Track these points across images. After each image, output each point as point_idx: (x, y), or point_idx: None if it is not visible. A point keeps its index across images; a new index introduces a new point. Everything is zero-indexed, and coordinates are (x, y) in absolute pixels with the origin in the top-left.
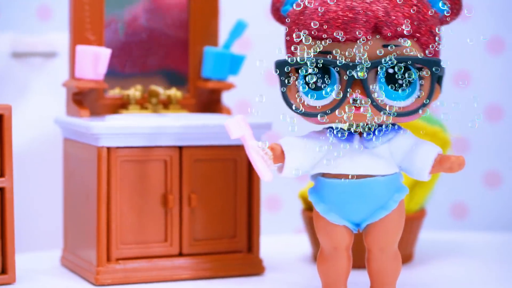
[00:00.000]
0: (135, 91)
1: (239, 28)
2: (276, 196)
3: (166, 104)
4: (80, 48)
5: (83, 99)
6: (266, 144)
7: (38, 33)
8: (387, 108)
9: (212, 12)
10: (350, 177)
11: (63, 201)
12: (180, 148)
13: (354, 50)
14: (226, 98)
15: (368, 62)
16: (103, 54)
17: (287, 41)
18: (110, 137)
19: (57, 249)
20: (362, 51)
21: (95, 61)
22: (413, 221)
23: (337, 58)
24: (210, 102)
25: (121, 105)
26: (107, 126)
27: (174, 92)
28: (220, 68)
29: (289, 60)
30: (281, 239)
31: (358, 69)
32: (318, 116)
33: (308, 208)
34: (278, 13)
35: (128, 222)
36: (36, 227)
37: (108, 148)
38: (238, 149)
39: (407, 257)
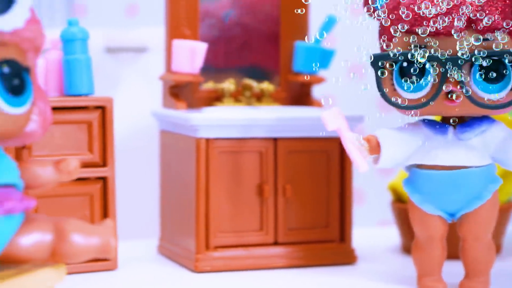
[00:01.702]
0: (229, 85)
1: (329, 23)
2: (359, 189)
3: (259, 97)
4: (177, 43)
5: (179, 92)
6: (361, 136)
7: (128, 29)
8: (486, 100)
9: (303, 7)
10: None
11: (160, 191)
12: (275, 139)
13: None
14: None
15: (468, 54)
16: (200, 48)
17: (381, 34)
18: (208, 128)
19: (153, 238)
20: (459, 44)
21: (191, 55)
22: (502, 213)
23: (434, 51)
24: (300, 95)
25: (215, 98)
26: (205, 117)
27: (266, 86)
28: (311, 63)
29: (391, 54)
30: (368, 230)
31: (458, 63)
32: (413, 109)
33: (398, 200)
34: (370, 7)
35: (225, 212)
36: (132, 217)
37: (206, 140)
38: (331, 141)
39: (495, 248)
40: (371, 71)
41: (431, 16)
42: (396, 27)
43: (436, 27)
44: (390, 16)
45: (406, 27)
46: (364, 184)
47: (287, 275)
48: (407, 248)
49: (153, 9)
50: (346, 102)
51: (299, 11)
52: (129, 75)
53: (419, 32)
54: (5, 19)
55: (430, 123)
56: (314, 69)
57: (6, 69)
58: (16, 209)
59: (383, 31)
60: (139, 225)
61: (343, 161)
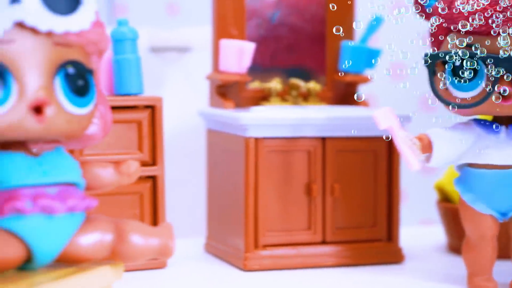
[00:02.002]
0: (276, 84)
1: (375, 23)
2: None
3: (305, 96)
4: (224, 42)
5: (226, 91)
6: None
7: (171, 28)
8: None
9: (348, 7)
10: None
11: (207, 190)
12: (324, 139)
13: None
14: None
15: None
16: (248, 48)
17: (431, 34)
18: (258, 127)
19: (200, 236)
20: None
21: (239, 55)
22: None
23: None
24: (346, 95)
25: (261, 98)
26: (255, 117)
27: (313, 85)
28: (357, 62)
29: (445, 56)
30: (413, 229)
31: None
32: (466, 108)
33: (444, 199)
34: (422, 7)
35: (274, 210)
36: (178, 215)
37: (256, 139)
38: (379, 140)
39: None
40: (412, 70)
41: (484, 17)
42: (457, 24)
43: (490, 26)
44: (443, 16)
45: (460, 28)
46: (406, 182)
47: (335, 274)
48: (453, 247)
49: (194, 8)
50: (389, 102)
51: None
52: (173, 75)
53: (470, 32)
54: (72, 20)
55: (481, 123)
56: (360, 68)
57: (71, 70)
58: (78, 207)
59: (435, 30)
60: (185, 224)
61: (390, 160)
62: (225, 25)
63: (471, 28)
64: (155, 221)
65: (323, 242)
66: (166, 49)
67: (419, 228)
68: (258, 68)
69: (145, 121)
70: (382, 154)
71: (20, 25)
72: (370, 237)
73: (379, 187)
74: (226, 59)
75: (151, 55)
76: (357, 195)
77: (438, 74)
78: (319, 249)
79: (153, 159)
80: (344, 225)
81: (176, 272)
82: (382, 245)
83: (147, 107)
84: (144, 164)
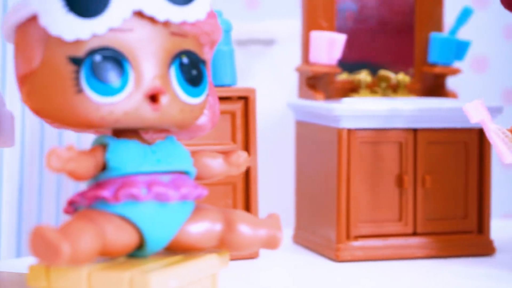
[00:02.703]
0: (365, 76)
1: (465, 15)
2: None
3: (394, 88)
4: (315, 34)
5: (316, 83)
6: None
7: (255, 22)
8: None
9: (437, 1)
10: None
11: (296, 181)
12: (415, 130)
13: None
14: None
15: None
16: (338, 40)
17: None
18: (350, 119)
19: (287, 227)
20: None
21: (330, 46)
22: None
23: None
24: (435, 86)
25: (350, 89)
26: (348, 108)
27: (402, 77)
28: (446, 54)
29: None
30: (502, 222)
31: None
32: None
33: None
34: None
35: (365, 202)
36: (267, 205)
37: (348, 130)
38: (470, 132)
39: None
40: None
41: None
42: None
43: None
44: None
45: None
46: (494, 174)
47: (426, 265)
48: None
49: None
50: (474, 94)
51: None
52: (258, 67)
53: None
54: (189, 10)
55: None
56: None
57: (185, 60)
58: (191, 196)
59: None
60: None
61: (481, 152)
62: (315, 17)
63: None
64: (247, 211)
65: (414, 234)
66: (251, 42)
67: (509, 220)
68: (345, 60)
69: (238, 112)
70: (474, 145)
71: (139, 14)
72: (460, 229)
73: (470, 179)
74: (316, 51)
75: (237, 48)
76: (448, 186)
77: None
78: (410, 241)
79: (246, 149)
80: (435, 216)
81: (269, 262)
82: (473, 237)
83: (240, 98)
84: None
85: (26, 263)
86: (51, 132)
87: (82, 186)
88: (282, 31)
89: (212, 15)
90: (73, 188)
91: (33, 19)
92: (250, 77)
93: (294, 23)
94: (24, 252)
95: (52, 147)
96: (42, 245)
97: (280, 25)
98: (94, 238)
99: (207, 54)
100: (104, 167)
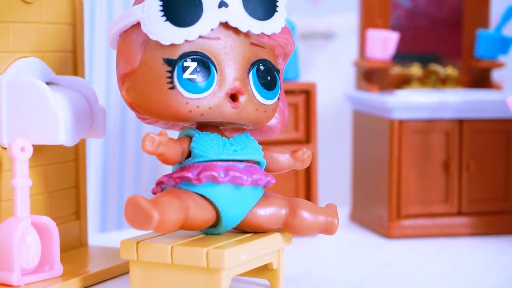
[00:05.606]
0: (417, 69)
1: (510, 13)
2: None
3: (443, 81)
4: (371, 33)
5: (371, 76)
6: None
7: (317, 16)
8: None
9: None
10: None
11: (352, 165)
12: (461, 120)
13: None
14: None
15: None
16: (392, 38)
17: None
18: (402, 110)
19: (344, 207)
20: None
21: (384, 44)
22: None
23: None
24: (480, 79)
25: (402, 82)
26: (399, 100)
27: (451, 71)
28: (492, 49)
29: None
30: None
31: None
32: None
33: None
34: None
35: (414, 185)
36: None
37: (400, 120)
38: (511, 122)
39: None
40: None
41: None
42: None
43: None
44: None
45: None
46: None
47: (469, 243)
48: None
49: None
50: None
51: None
52: (318, 60)
53: None
54: (268, 24)
55: None
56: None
57: (262, 67)
58: (261, 182)
59: None
60: (331, 194)
61: None
62: (371, 15)
63: None
64: (308, 193)
65: (459, 213)
66: (312, 35)
67: None
68: (398, 55)
69: (301, 104)
70: None
71: (225, 25)
72: (501, 209)
73: (510, 164)
74: (372, 48)
75: (300, 42)
76: (490, 171)
77: None
78: (455, 220)
79: (308, 137)
80: (478, 198)
81: (327, 237)
82: None
83: (302, 91)
84: (300, 141)
85: (110, 238)
86: (133, 123)
87: (145, 175)
88: (341, 25)
89: (286, 30)
90: (150, 174)
91: (135, 26)
92: (311, 69)
93: (352, 17)
94: (108, 228)
95: (147, 132)
96: (136, 211)
97: (339, 20)
98: (179, 210)
99: (280, 65)
100: (188, 155)
